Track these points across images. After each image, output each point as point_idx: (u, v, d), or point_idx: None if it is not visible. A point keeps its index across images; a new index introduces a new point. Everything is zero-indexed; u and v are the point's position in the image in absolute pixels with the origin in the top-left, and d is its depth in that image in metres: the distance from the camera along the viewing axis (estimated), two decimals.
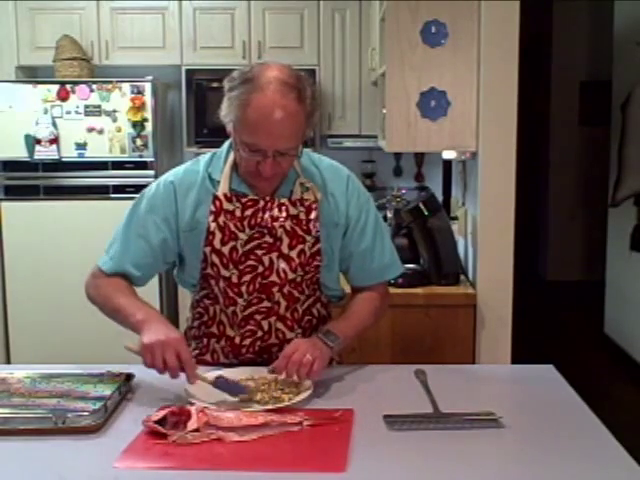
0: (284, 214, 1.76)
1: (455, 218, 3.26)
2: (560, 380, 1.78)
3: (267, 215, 1.76)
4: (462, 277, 3.01)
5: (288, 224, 1.76)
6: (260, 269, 1.78)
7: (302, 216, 1.77)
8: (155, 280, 4.01)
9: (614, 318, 5.13)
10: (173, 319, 4.23)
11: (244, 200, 1.76)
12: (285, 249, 1.77)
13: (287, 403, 1.55)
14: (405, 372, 1.81)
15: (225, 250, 1.76)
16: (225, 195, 1.75)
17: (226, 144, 1.81)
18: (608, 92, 5.21)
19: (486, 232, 2.86)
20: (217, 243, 1.76)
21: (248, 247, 1.76)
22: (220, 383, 1.61)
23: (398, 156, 4.68)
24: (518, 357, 2.88)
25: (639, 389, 4.43)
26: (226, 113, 1.66)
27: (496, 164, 2.82)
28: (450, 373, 1.84)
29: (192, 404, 1.51)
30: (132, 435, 1.43)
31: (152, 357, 1.57)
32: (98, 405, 1.51)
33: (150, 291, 3.97)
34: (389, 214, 3.34)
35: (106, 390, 1.60)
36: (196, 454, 1.37)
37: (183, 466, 1.33)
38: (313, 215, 1.78)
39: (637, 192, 4.52)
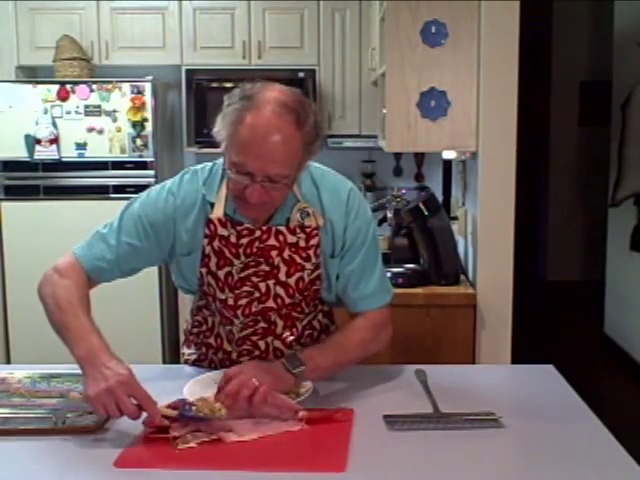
0: (282, 243, 1.68)
1: (455, 218, 3.26)
2: (560, 380, 1.78)
3: (264, 245, 1.68)
4: (462, 277, 3.01)
5: (286, 253, 1.69)
6: (256, 294, 1.72)
7: (302, 243, 1.69)
8: (155, 280, 4.01)
9: (614, 318, 5.13)
10: (173, 320, 4.23)
11: (239, 228, 1.67)
12: (283, 277, 1.71)
13: None
14: (405, 372, 1.81)
15: (221, 274, 1.71)
16: (219, 220, 1.67)
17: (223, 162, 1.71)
18: (608, 92, 5.21)
19: (486, 232, 2.86)
20: (213, 266, 1.71)
21: (244, 274, 1.70)
22: (184, 415, 1.45)
23: (398, 156, 4.67)
24: (518, 357, 2.89)
25: (639, 389, 4.43)
26: (219, 129, 1.56)
27: (496, 164, 2.82)
28: (450, 373, 1.84)
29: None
30: (132, 435, 1.44)
31: (104, 408, 1.42)
32: None
33: (150, 291, 4.02)
34: (389, 214, 3.34)
35: None
36: (196, 454, 1.37)
37: (183, 466, 1.33)
38: (314, 241, 1.69)
39: (637, 192, 4.52)
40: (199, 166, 1.76)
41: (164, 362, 4.02)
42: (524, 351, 3.11)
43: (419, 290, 2.87)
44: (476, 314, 2.84)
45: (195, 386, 1.63)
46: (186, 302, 2.05)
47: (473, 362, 2.80)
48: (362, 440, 1.42)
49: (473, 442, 1.43)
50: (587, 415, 1.57)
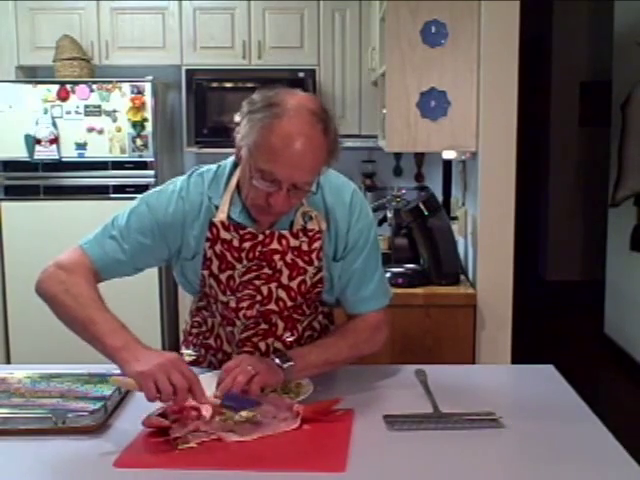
0: (285, 247, 1.68)
1: (455, 218, 3.26)
2: (560, 380, 1.78)
3: (266, 249, 1.67)
4: (462, 277, 3.01)
5: (289, 257, 1.69)
6: (258, 297, 1.72)
7: (304, 247, 1.68)
8: (155, 280, 4.01)
9: (614, 318, 5.13)
10: (173, 320, 4.23)
11: (242, 232, 1.67)
12: (285, 280, 1.70)
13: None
14: (405, 372, 1.81)
15: (222, 277, 1.70)
16: (222, 223, 1.67)
17: (229, 164, 1.71)
18: (608, 92, 5.21)
19: (486, 232, 2.86)
20: (215, 269, 1.70)
21: (246, 277, 1.70)
22: (229, 400, 1.49)
23: (398, 156, 4.67)
24: (518, 357, 2.89)
25: (639, 389, 4.43)
26: (243, 136, 1.53)
27: (496, 164, 2.82)
28: (450, 373, 1.84)
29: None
30: (132, 435, 1.44)
31: (157, 384, 1.40)
32: (98, 405, 1.51)
33: (150, 291, 4.01)
34: (389, 214, 3.34)
35: (106, 390, 1.60)
36: (196, 454, 1.37)
37: (183, 466, 1.33)
38: (316, 245, 1.69)
39: (637, 192, 4.52)
40: (204, 168, 1.75)
41: None
42: (524, 351, 3.11)
43: (419, 290, 2.87)
44: (476, 314, 2.84)
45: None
46: (186, 302, 2.04)
47: (473, 362, 2.80)
48: (362, 440, 1.42)
49: (473, 442, 1.43)
50: (587, 415, 1.57)
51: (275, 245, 1.68)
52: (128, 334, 1.52)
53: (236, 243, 1.68)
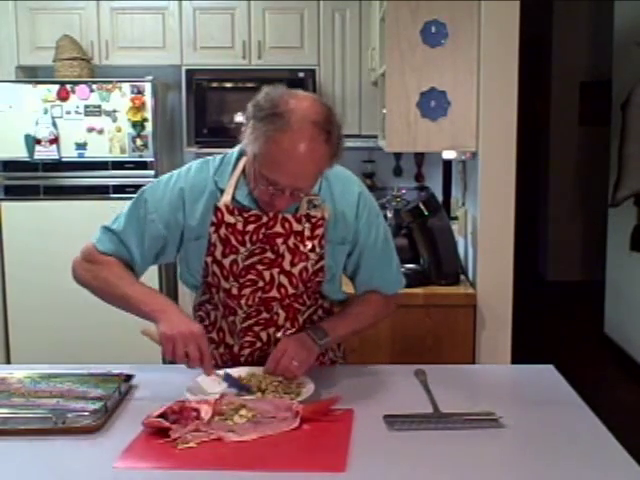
0: (287, 231, 1.72)
1: (455, 218, 3.26)
2: (560, 380, 1.78)
3: (270, 232, 1.72)
4: (462, 277, 3.01)
5: (291, 241, 1.72)
6: (260, 284, 1.75)
7: (307, 233, 1.73)
8: (155, 281, 4.00)
9: (614, 318, 5.13)
10: None
11: (246, 215, 1.71)
12: (287, 266, 1.74)
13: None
14: (405, 372, 1.81)
15: (226, 262, 1.73)
16: (227, 207, 1.71)
17: (236, 152, 1.76)
18: (608, 92, 5.21)
19: (486, 232, 2.86)
20: (218, 254, 1.73)
21: (249, 262, 1.73)
22: (228, 378, 1.66)
23: (398, 156, 4.68)
24: (518, 357, 2.89)
25: (639, 389, 4.43)
26: (248, 142, 1.59)
27: (496, 164, 2.82)
28: (450, 373, 1.84)
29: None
30: (132, 435, 1.44)
31: (174, 348, 1.58)
32: (98, 405, 1.51)
33: None
34: (389, 214, 3.34)
35: (106, 390, 1.60)
36: (196, 454, 1.37)
37: (183, 466, 1.33)
38: (319, 232, 1.73)
39: (637, 192, 4.52)
40: (210, 157, 1.81)
41: (164, 362, 4.02)
42: (524, 351, 3.11)
43: (419, 290, 2.87)
44: (476, 314, 2.84)
45: (198, 384, 1.64)
46: (187, 302, 2.04)
47: (473, 362, 2.80)
48: (362, 440, 1.43)
49: (473, 442, 1.43)
50: (587, 415, 1.57)
51: (278, 228, 1.72)
52: (163, 298, 1.71)
53: (240, 226, 1.71)
